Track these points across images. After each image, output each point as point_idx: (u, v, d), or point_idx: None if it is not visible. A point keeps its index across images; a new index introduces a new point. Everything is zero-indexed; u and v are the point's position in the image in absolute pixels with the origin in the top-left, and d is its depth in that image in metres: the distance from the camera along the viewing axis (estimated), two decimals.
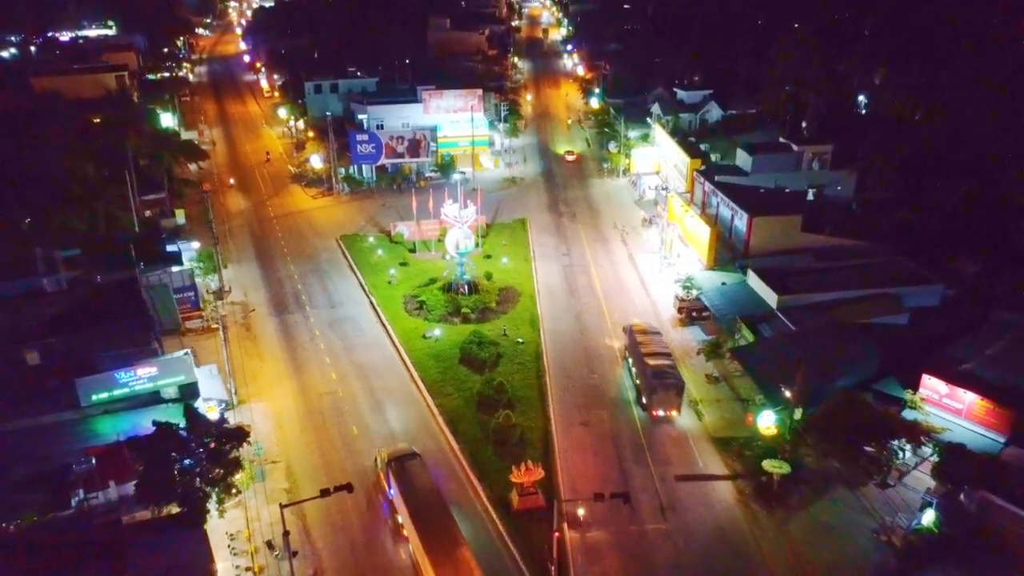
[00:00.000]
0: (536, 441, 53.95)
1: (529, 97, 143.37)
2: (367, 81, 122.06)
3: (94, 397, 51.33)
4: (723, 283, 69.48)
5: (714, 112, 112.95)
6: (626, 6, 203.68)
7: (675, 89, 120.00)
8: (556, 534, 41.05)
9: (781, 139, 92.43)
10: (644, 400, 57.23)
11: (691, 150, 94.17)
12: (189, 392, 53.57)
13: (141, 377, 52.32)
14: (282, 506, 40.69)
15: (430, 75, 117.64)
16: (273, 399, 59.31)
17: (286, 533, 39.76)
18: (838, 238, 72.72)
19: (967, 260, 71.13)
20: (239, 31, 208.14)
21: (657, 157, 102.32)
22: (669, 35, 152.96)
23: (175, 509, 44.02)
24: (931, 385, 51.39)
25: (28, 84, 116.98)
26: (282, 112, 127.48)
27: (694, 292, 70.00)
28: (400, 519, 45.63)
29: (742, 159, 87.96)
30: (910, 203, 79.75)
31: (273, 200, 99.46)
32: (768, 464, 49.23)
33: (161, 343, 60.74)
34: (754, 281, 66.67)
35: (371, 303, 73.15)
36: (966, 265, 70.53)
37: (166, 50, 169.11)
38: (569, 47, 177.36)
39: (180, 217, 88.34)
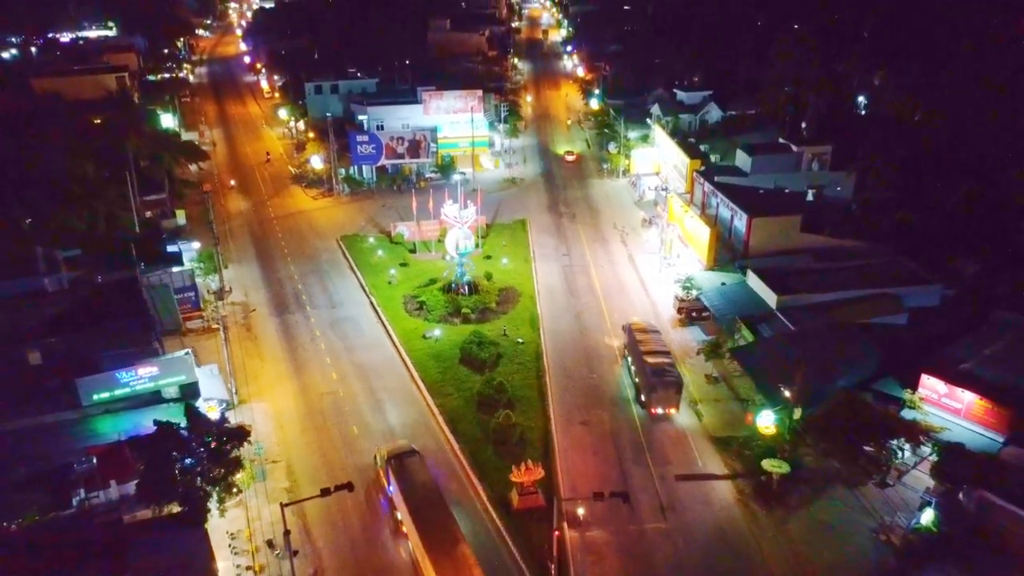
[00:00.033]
0: (536, 441, 54.06)
1: (529, 98, 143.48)
2: (367, 82, 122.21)
3: (95, 397, 51.51)
4: (723, 283, 69.59)
5: (714, 113, 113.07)
6: (626, 7, 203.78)
7: (675, 90, 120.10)
8: (556, 533, 41.18)
9: (781, 140, 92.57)
10: (643, 398, 57.36)
11: (691, 151, 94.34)
12: (190, 392, 53.76)
13: (142, 377, 52.50)
14: (283, 505, 40.80)
15: (430, 76, 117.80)
16: (274, 399, 59.42)
17: (287, 532, 39.87)
18: (837, 238, 72.86)
19: (967, 260, 71.22)
20: (239, 32, 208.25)
21: (657, 158, 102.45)
22: (669, 35, 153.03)
23: (176, 508, 44.17)
24: (930, 385, 51.55)
25: (29, 85, 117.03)
26: (282, 113, 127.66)
27: (694, 292, 70.09)
28: (399, 516, 45.80)
29: (742, 160, 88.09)
30: (910, 203, 79.87)
31: (273, 201, 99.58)
32: (767, 464, 49.34)
33: (162, 343, 60.90)
34: (754, 281, 66.79)
35: (371, 303, 73.26)
36: (966, 265, 70.63)
37: (166, 51, 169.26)
38: (569, 48, 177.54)
39: (181, 218, 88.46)
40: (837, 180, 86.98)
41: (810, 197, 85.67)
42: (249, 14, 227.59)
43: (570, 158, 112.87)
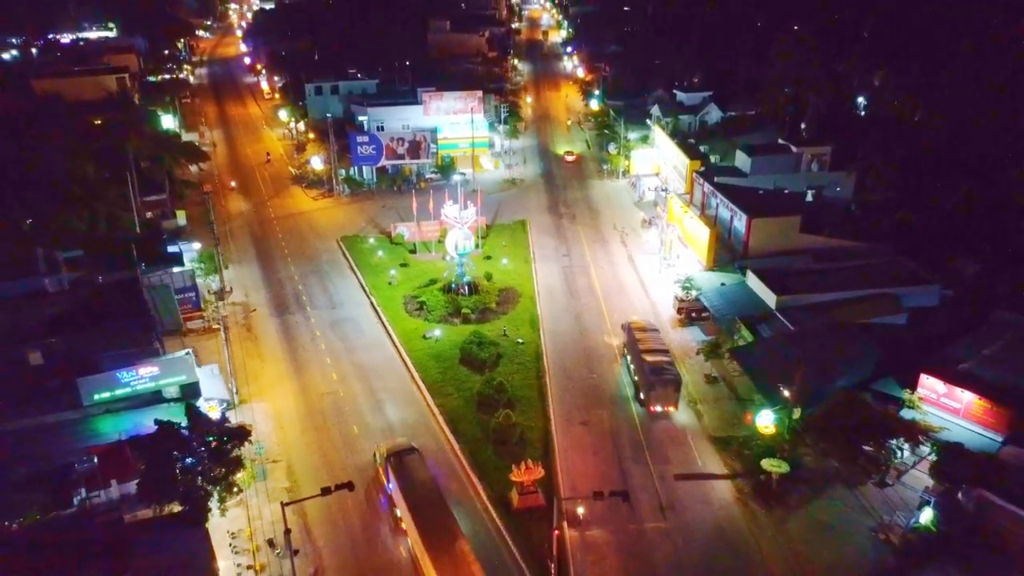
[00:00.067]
0: (536, 440, 54.17)
1: (529, 99, 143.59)
2: (367, 83, 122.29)
3: (96, 396, 51.60)
4: (722, 284, 69.68)
5: (713, 114, 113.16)
6: (626, 8, 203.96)
7: (675, 91, 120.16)
8: (556, 532, 41.21)
9: (780, 140, 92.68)
10: (642, 396, 57.52)
11: (691, 151, 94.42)
12: (190, 392, 53.81)
13: (143, 377, 52.58)
14: (283, 504, 40.90)
15: (430, 77, 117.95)
16: (274, 399, 59.53)
17: (287, 531, 39.91)
18: (837, 239, 72.91)
19: (967, 260, 71.31)
20: (239, 33, 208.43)
21: (657, 158, 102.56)
22: (669, 36, 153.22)
23: (177, 508, 44.26)
24: (929, 385, 51.64)
25: (29, 86, 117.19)
26: (283, 114, 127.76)
27: (693, 293, 70.20)
28: (399, 513, 45.98)
29: (741, 160, 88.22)
30: (910, 203, 79.97)
31: (274, 201, 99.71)
32: (767, 463, 49.42)
33: (162, 343, 61.05)
34: (753, 282, 66.89)
35: (372, 304, 73.37)
36: (965, 265, 70.72)
37: (167, 52, 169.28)
38: (569, 49, 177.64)
39: (181, 218, 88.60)
40: (837, 180, 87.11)
41: (809, 198, 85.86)
42: (249, 15, 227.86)
43: (570, 158, 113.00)
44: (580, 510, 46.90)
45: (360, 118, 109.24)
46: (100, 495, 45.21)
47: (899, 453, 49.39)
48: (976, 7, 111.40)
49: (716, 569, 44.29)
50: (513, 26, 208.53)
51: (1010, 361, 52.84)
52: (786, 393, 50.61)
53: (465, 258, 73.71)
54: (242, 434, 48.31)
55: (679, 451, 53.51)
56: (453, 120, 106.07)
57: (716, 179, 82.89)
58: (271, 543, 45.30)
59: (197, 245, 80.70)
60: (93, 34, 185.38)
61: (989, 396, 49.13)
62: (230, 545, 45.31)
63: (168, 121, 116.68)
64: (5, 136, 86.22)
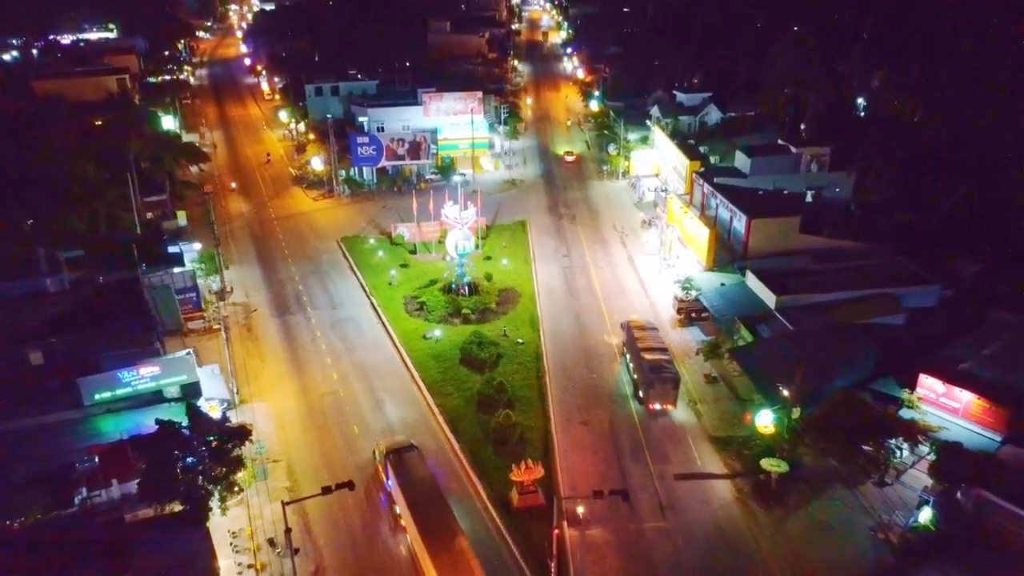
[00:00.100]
0: (536, 440, 54.26)
1: (529, 100, 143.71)
2: (367, 84, 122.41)
3: (97, 396, 51.75)
4: (722, 284, 69.80)
5: (713, 114, 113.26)
6: (625, 9, 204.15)
7: (674, 92, 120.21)
8: (556, 532, 41.29)
9: (780, 141, 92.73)
10: (641, 394, 57.66)
11: (690, 152, 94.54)
12: (191, 391, 53.94)
13: (144, 376, 52.72)
14: (284, 504, 41.01)
15: (430, 78, 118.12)
16: (275, 399, 59.63)
17: (288, 530, 40.09)
18: (836, 239, 73.01)
19: (966, 260, 71.35)
20: (239, 34, 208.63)
21: (656, 159, 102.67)
22: (669, 36, 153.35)
23: (178, 507, 44.37)
24: (928, 384, 51.76)
25: (29, 87, 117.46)
26: (283, 115, 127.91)
27: (693, 293, 70.32)
28: (398, 510, 46.13)
29: (741, 161, 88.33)
30: (910, 203, 80.00)
31: (274, 202, 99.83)
32: (766, 463, 49.50)
33: (163, 343, 61.14)
34: (753, 282, 67.00)
35: (372, 304, 73.47)
36: (965, 265, 70.77)
37: (167, 53, 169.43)
38: (569, 50, 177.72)
39: (182, 219, 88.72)
40: (836, 181, 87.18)
41: (809, 198, 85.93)
42: (249, 16, 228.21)
43: (570, 158, 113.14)
44: (580, 509, 47.02)
45: (360, 119, 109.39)
46: (101, 494, 45.32)
47: (898, 453, 49.51)
48: (976, 7, 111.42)
49: (716, 568, 44.36)
50: (513, 27, 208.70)
51: (1009, 361, 52.93)
52: (785, 393, 50.73)
53: (465, 258, 73.82)
54: (243, 434, 48.43)
55: (679, 451, 53.61)
56: (453, 121, 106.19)
57: (716, 180, 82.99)
58: (272, 542, 45.39)
59: (198, 245, 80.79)
60: (93, 35, 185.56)
61: (988, 396, 49.23)
62: (231, 544, 45.39)
63: (168, 122, 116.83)
64: (5, 136, 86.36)
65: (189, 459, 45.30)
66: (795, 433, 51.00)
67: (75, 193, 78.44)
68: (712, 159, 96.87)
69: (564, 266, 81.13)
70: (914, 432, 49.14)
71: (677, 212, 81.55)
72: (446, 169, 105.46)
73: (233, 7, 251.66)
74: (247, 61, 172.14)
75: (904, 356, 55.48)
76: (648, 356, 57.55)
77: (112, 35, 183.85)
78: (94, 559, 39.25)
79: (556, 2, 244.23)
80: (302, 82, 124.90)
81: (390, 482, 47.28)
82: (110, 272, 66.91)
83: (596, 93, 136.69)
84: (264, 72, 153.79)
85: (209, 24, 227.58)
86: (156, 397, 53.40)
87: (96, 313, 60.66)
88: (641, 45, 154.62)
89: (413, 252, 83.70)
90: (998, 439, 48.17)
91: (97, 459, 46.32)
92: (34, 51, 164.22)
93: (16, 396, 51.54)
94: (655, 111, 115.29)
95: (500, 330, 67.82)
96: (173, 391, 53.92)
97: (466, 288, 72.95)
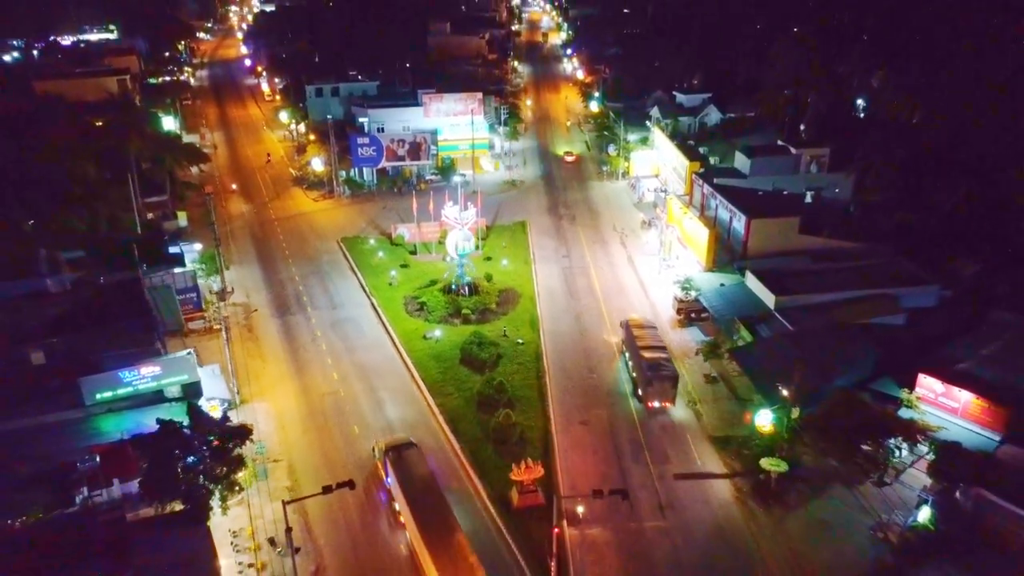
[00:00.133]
0: (536, 440, 54.36)
1: (529, 101, 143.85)
2: (368, 84, 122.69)
3: (98, 396, 51.84)
4: (721, 284, 69.89)
5: (713, 115, 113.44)
6: (625, 10, 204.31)
7: (674, 93, 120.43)
8: (556, 531, 41.34)
9: (779, 142, 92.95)
10: (640, 392, 57.84)
11: (690, 153, 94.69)
12: (192, 391, 54.07)
13: (145, 376, 52.82)
14: (284, 503, 41.11)
15: (430, 79, 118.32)
16: (275, 399, 59.73)
17: (288, 530, 40.17)
18: (836, 240, 73.13)
19: (966, 261, 71.40)
20: (240, 35, 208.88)
21: (656, 160, 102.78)
22: (669, 35, 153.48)
23: (178, 506, 44.53)
24: (927, 384, 51.87)
25: (30, 87, 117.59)
26: (283, 116, 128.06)
27: (693, 293, 70.42)
28: (397, 507, 46.29)
29: (740, 162, 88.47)
30: (909, 203, 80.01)
31: (274, 203, 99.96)
32: (766, 462, 49.59)
33: (164, 343, 61.24)
34: (752, 282, 67.09)
35: (372, 304, 73.58)
36: (964, 266, 70.84)
37: (167, 54, 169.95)
38: (569, 51, 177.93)
39: (182, 219, 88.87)
40: (835, 182, 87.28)
41: (809, 199, 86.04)
42: (249, 17, 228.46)
43: (569, 159, 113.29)
44: (580, 509, 47.15)
45: (360, 120, 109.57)
46: (102, 494, 45.44)
47: (897, 452, 49.60)
48: (976, 7, 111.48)
49: (715, 567, 44.44)
50: (513, 28, 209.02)
51: (1008, 361, 53.03)
52: (785, 393, 50.79)
53: (465, 259, 73.93)
54: (243, 433, 48.55)
55: (679, 450, 53.72)
56: (453, 122, 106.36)
57: (715, 180, 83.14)
58: (272, 541, 45.46)
59: (198, 246, 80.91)
60: (94, 36, 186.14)
61: (987, 396, 49.33)
62: (231, 543, 45.47)
63: (169, 123, 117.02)
64: (6, 136, 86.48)
65: (190, 458, 45.43)
66: (794, 433, 51.07)
67: (75, 193, 78.62)
68: (712, 160, 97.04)
69: (564, 267, 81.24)
70: (913, 432, 49.25)
71: (677, 213, 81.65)
72: (446, 170, 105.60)
73: (233, 8, 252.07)
74: (247, 62, 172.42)
75: (903, 356, 55.54)
76: (647, 354, 57.78)
77: (113, 36, 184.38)
78: (95, 558, 39.28)
79: (556, 3, 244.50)
80: (302, 83, 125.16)
81: (389, 479, 47.52)
82: (111, 272, 67.05)
83: (596, 94, 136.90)
84: (264, 73, 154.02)
85: (209, 25, 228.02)
86: (157, 397, 53.49)
87: (97, 313, 60.73)
88: (641, 46, 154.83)
89: (413, 253, 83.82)
90: (997, 439, 48.28)
91: (98, 458, 46.42)
92: (35, 52, 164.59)
93: (17, 396, 51.61)
94: (655, 112, 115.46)
95: (500, 330, 67.92)
96: (174, 391, 54.02)
97: (466, 288, 73.07)
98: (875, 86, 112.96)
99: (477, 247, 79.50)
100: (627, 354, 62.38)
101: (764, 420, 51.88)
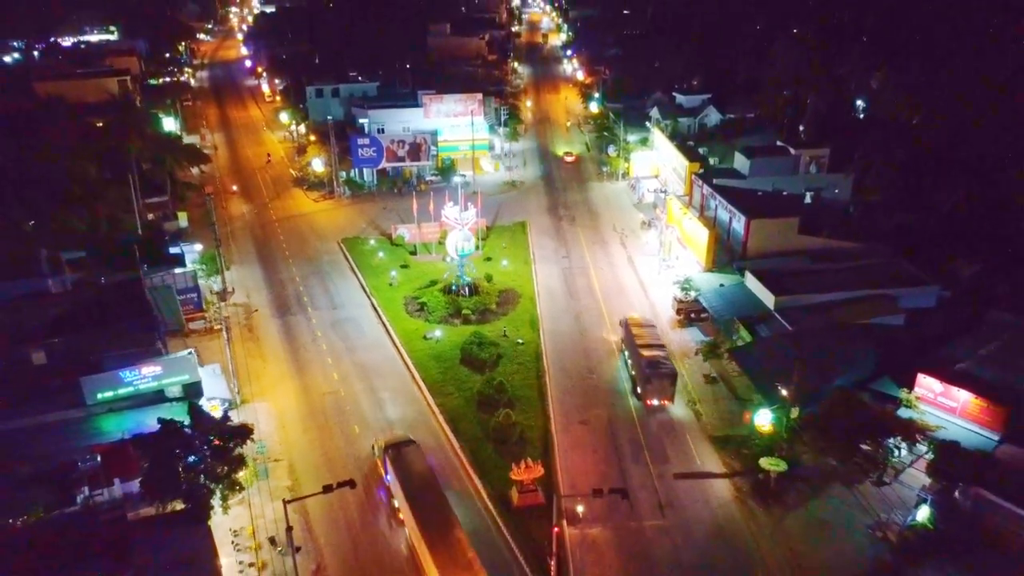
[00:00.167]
0: (536, 440, 54.46)
1: (529, 102, 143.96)
2: (368, 85, 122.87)
3: (99, 396, 51.97)
4: (721, 285, 70.00)
5: (712, 116, 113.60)
6: (625, 11, 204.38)
7: (674, 93, 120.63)
8: (555, 530, 41.48)
9: (779, 143, 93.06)
10: (639, 390, 58.01)
11: (690, 154, 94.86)
12: (193, 391, 54.21)
13: (146, 376, 52.95)
14: (285, 502, 41.19)
15: (430, 79, 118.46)
16: (276, 399, 59.84)
17: (289, 529, 40.30)
18: (835, 240, 73.25)
19: (965, 261, 71.50)
20: (240, 36, 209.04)
21: (656, 161, 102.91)
22: (669, 35, 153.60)
23: (179, 505, 44.58)
24: (926, 384, 52.00)
25: (31, 88, 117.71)
26: (283, 116, 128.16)
27: (692, 294, 70.53)
28: (397, 504, 46.45)
29: (740, 162, 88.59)
30: (909, 203, 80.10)
31: (275, 203, 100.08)
32: (765, 462, 49.68)
33: (165, 343, 61.35)
34: (752, 282, 67.20)
35: (372, 304, 73.68)
36: (963, 266, 70.95)
37: (168, 55, 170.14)
38: (569, 52, 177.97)
39: (183, 220, 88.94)
40: (835, 182, 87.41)
41: (808, 199, 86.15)
42: (250, 18, 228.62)
43: (569, 159, 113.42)
44: (580, 508, 47.27)
45: (361, 120, 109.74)
46: (103, 493, 45.67)
47: (896, 452, 49.70)
48: (976, 7, 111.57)
49: (715, 567, 44.52)
50: (513, 29, 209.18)
51: (1007, 361, 53.16)
52: (784, 392, 50.93)
53: (465, 259, 74.03)
54: (244, 433, 48.56)
55: (678, 450, 53.82)
56: (453, 122, 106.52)
57: (715, 181, 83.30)
58: (273, 541, 45.56)
59: (199, 246, 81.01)
60: (95, 37, 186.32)
61: (985, 395, 49.45)
62: (232, 543, 45.59)
63: (169, 123, 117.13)
64: (6, 136, 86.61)
65: (191, 458, 45.45)
66: (794, 432, 51.15)
67: (76, 194, 78.72)
68: (711, 160, 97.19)
69: (564, 267, 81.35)
70: (912, 431, 49.36)
71: (676, 213, 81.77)
72: (446, 170, 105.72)
73: (234, 9, 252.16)
74: (248, 63, 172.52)
75: (903, 356, 55.68)
76: (646, 352, 57.98)
77: (113, 37, 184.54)
78: (96, 558, 39.38)
79: (556, 4, 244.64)
80: (302, 84, 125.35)
81: (388, 476, 47.73)
82: (112, 273, 67.21)
83: (596, 95, 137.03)
84: (265, 74, 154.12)
85: (210, 26, 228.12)
86: (158, 396, 53.62)
87: (98, 313, 60.88)
88: (641, 47, 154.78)
89: (413, 253, 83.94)
90: (995, 438, 48.42)
91: (99, 458, 46.59)
92: (36, 53, 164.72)
93: (18, 395, 51.75)
94: (654, 113, 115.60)
95: (500, 330, 68.03)
96: (175, 391, 54.15)
97: (466, 289, 73.18)
98: (875, 86, 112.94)
99: (477, 247, 79.54)
100: (626, 352, 62.62)
101: (763, 420, 52.02)
